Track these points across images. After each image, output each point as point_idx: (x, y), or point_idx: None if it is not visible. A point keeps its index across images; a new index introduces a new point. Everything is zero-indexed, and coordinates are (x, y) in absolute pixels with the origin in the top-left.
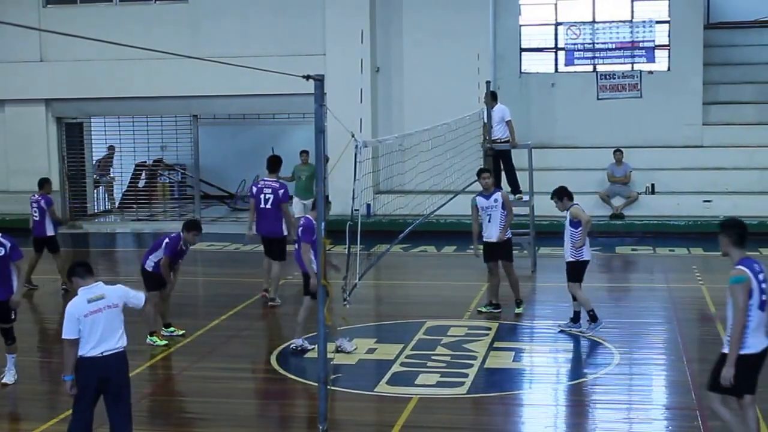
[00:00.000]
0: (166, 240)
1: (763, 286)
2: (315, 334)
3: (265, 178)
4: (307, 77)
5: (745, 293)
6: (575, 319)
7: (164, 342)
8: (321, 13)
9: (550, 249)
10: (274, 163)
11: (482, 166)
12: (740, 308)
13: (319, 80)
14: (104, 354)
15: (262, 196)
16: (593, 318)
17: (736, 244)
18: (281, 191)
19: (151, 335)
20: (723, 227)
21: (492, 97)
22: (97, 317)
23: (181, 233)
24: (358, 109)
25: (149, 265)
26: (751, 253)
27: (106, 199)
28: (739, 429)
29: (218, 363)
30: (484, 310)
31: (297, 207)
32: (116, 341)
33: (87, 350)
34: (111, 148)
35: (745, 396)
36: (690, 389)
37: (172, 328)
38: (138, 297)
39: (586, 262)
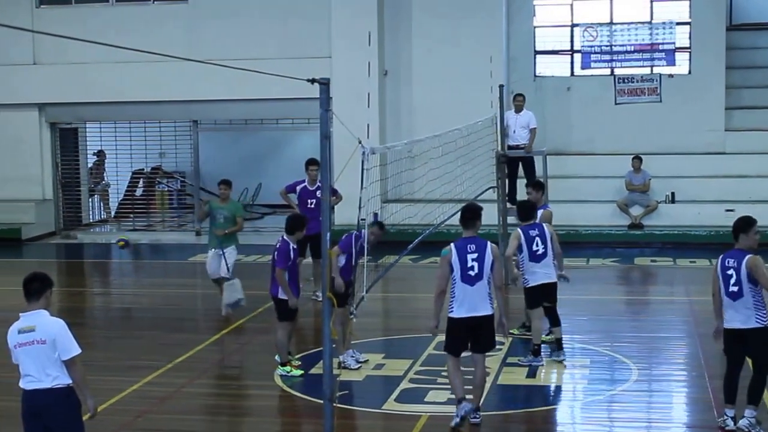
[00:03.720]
0: (275, 252)
1: (726, 272)
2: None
3: None
4: (312, 81)
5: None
6: (558, 345)
7: (300, 372)
8: (327, 14)
9: (567, 260)
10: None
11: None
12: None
13: (325, 84)
14: (33, 389)
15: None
16: (536, 352)
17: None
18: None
19: (283, 365)
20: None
21: (519, 102)
22: (26, 350)
23: (285, 237)
24: (365, 115)
25: (275, 291)
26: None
27: (102, 208)
28: None
29: (219, 379)
30: (516, 332)
31: (213, 261)
32: (46, 378)
33: (22, 382)
34: (100, 153)
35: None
36: (712, 407)
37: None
38: (68, 349)
39: (536, 287)
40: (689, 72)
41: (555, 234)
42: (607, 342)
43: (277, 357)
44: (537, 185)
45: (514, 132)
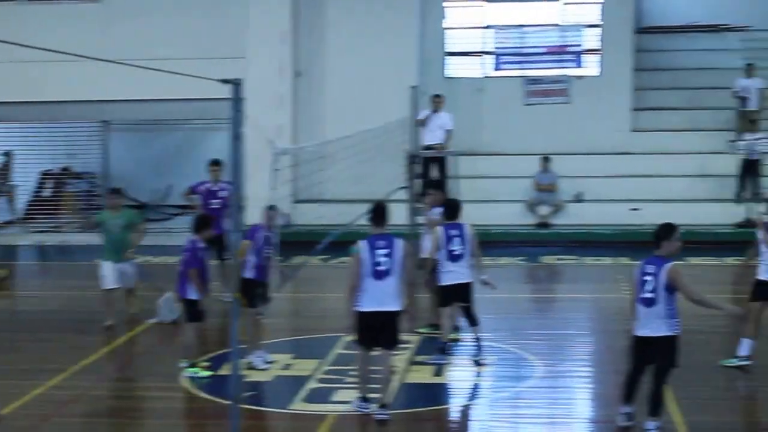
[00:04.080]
0: (184, 252)
1: (644, 278)
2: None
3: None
4: (224, 81)
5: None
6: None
7: (208, 373)
8: (241, 15)
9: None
10: None
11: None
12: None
13: (237, 84)
14: None
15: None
16: (442, 350)
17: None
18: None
19: (191, 367)
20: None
21: (438, 102)
22: None
23: (193, 236)
24: (278, 115)
25: (184, 291)
26: (678, 262)
27: (9, 209)
28: None
29: (125, 382)
30: (424, 331)
31: (108, 272)
32: None
33: None
34: (7, 155)
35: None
36: (614, 402)
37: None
38: None
39: (450, 287)
40: (598, 74)
41: (475, 236)
42: (513, 339)
43: (184, 359)
44: (437, 185)
45: (431, 132)
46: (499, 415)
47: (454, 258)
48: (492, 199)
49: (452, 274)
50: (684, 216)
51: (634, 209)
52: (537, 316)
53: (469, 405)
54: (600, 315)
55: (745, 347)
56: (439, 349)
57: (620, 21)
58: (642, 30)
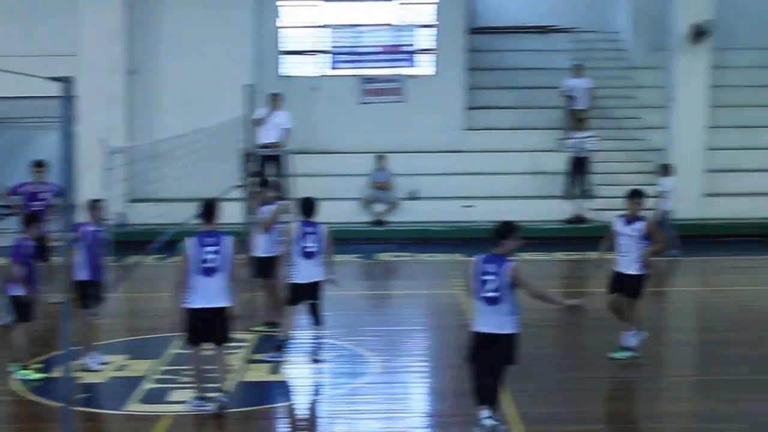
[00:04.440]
0: (11, 250)
1: (484, 278)
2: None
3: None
4: (54, 79)
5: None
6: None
7: (40, 375)
8: (73, 12)
9: None
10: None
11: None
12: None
13: (67, 82)
14: None
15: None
16: (279, 348)
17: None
18: None
19: (22, 369)
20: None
21: (276, 101)
22: None
23: (21, 235)
24: (111, 114)
25: (12, 290)
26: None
27: None
28: None
29: None
30: (260, 329)
31: None
32: None
33: None
34: None
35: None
36: (449, 396)
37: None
38: None
39: (300, 285)
40: (432, 73)
41: (329, 234)
42: (349, 336)
43: (13, 362)
44: (264, 183)
45: (268, 130)
46: (336, 411)
47: (307, 255)
48: (328, 197)
49: (305, 272)
50: (515, 212)
51: (467, 206)
52: (373, 312)
53: (306, 402)
54: (434, 311)
55: (628, 338)
56: (276, 346)
57: (453, 21)
58: (474, 30)
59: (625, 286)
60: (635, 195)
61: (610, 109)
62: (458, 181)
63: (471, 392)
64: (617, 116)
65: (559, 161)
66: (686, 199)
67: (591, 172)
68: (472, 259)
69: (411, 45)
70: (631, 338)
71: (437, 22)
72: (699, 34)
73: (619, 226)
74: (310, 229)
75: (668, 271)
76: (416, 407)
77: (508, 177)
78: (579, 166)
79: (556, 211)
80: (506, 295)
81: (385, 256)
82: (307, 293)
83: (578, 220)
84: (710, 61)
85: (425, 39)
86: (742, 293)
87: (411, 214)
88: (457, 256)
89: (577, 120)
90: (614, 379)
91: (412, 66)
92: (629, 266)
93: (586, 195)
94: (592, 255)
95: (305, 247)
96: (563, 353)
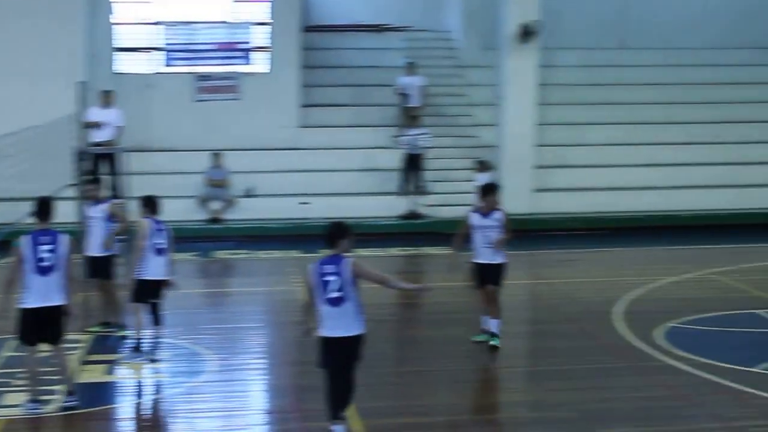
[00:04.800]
0: None
1: (326, 279)
2: None
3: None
4: None
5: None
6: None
7: None
8: None
9: None
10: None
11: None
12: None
13: None
14: None
15: None
16: (137, 348)
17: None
18: None
19: None
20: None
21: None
22: None
23: None
24: None
25: None
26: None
27: None
28: None
29: None
30: (96, 330)
31: None
32: None
33: None
34: None
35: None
36: (288, 392)
37: None
38: None
39: (149, 282)
40: (267, 71)
41: (171, 231)
42: (187, 335)
43: None
44: (95, 181)
45: (101, 128)
46: (174, 410)
47: (159, 252)
48: (164, 195)
49: (155, 269)
50: (351, 209)
51: (304, 203)
52: (210, 310)
53: (143, 402)
54: (272, 307)
55: (494, 324)
56: (134, 348)
57: (288, 19)
58: (309, 29)
59: (491, 275)
60: (490, 189)
61: (443, 107)
62: (294, 179)
63: (326, 402)
64: (450, 114)
65: (394, 158)
66: (516, 195)
67: (425, 168)
68: (309, 266)
69: (246, 42)
70: (496, 324)
71: (272, 20)
72: (527, 33)
73: (475, 220)
74: (159, 227)
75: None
76: (255, 404)
77: (343, 174)
78: (413, 163)
79: (391, 207)
80: (350, 293)
81: (222, 254)
82: (155, 291)
83: (413, 216)
84: (538, 60)
85: (260, 37)
86: (569, 285)
87: (248, 211)
88: (295, 253)
89: (410, 117)
90: (449, 371)
91: (247, 63)
92: (493, 257)
93: (420, 191)
94: (430, 251)
95: (157, 243)
96: (399, 347)
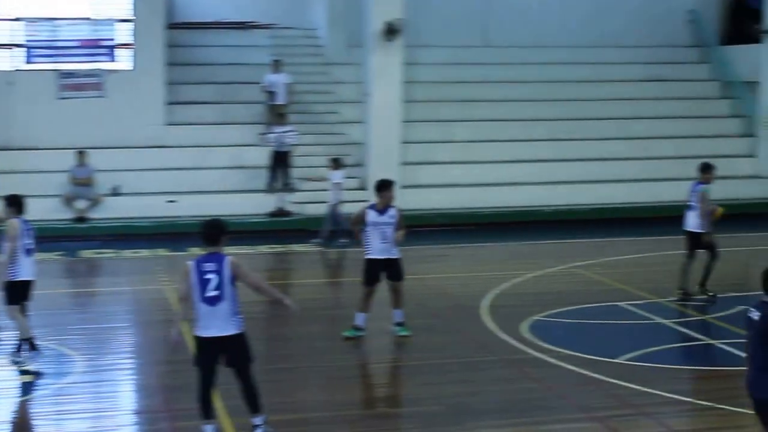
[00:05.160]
0: None
1: (206, 277)
2: None
3: None
4: None
5: (184, 281)
6: (19, 348)
7: None
8: None
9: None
10: None
11: None
12: (180, 296)
13: None
14: None
15: None
16: (33, 347)
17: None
18: None
19: None
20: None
21: None
22: None
23: None
24: None
25: None
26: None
27: None
28: None
29: None
30: None
31: None
32: None
33: None
34: None
35: None
36: (157, 391)
37: None
38: None
39: (23, 283)
40: (132, 68)
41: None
42: (53, 336)
43: None
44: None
45: None
46: (42, 413)
47: (29, 252)
48: (27, 195)
49: (27, 270)
50: (219, 207)
51: (171, 201)
52: (77, 311)
53: (9, 405)
54: (140, 307)
55: (399, 314)
56: (31, 347)
57: (151, 16)
58: (173, 25)
59: (390, 271)
60: (386, 186)
61: (310, 104)
62: (161, 177)
63: (198, 401)
64: (316, 111)
65: (261, 156)
66: None
67: (292, 165)
68: (188, 263)
69: (111, 39)
70: (400, 314)
71: (135, 17)
72: (391, 31)
73: (372, 216)
74: (28, 226)
75: (340, 262)
76: (124, 405)
77: (211, 172)
78: (280, 161)
79: (259, 204)
80: (228, 292)
81: (88, 254)
82: (27, 292)
83: (281, 213)
84: (403, 58)
85: (125, 33)
86: (437, 281)
87: (114, 210)
88: (162, 252)
89: (277, 115)
90: (321, 367)
91: (112, 61)
92: (389, 252)
93: (288, 189)
94: (298, 248)
95: (26, 244)
96: (270, 345)
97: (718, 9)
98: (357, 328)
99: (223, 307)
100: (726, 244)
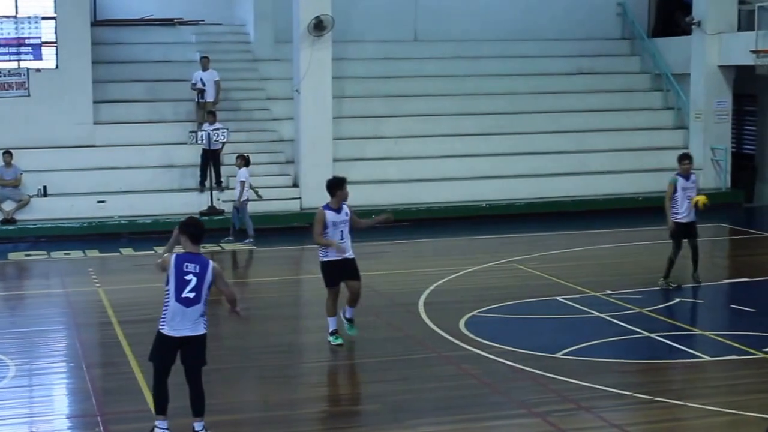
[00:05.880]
0: None
1: (186, 277)
2: None
3: None
4: None
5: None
6: None
7: None
8: None
9: None
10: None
11: None
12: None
13: None
14: None
15: None
16: None
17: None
18: None
19: None
20: (181, 226)
21: None
22: None
23: None
24: None
25: None
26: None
27: None
28: None
29: None
30: None
31: None
32: None
33: None
34: None
35: None
36: (91, 395)
37: None
38: None
39: None
40: (57, 67)
41: None
42: None
43: None
44: None
45: None
46: None
47: None
48: None
49: None
50: (150, 206)
51: (101, 201)
52: (7, 314)
53: None
54: (72, 309)
55: (350, 311)
56: None
57: (76, 13)
58: (99, 23)
59: (350, 271)
60: (338, 184)
61: (239, 101)
62: (90, 177)
63: (153, 397)
64: (246, 108)
65: (191, 154)
66: (316, 188)
67: (222, 163)
68: (170, 256)
69: (37, 38)
70: (351, 311)
71: (57, 14)
72: (319, 26)
73: (331, 216)
74: None
75: (248, 261)
76: (58, 409)
77: (141, 171)
78: (211, 158)
79: (190, 203)
80: (203, 296)
81: (16, 256)
82: None
83: (212, 211)
84: (332, 53)
85: (48, 31)
86: (373, 278)
87: (43, 211)
88: (94, 252)
89: (206, 112)
90: (253, 368)
91: (39, 59)
92: (350, 250)
93: (219, 187)
94: (230, 246)
95: None
96: None
97: (648, 1)
98: (336, 332)
99: (196, 309)
100: (660, 237)
